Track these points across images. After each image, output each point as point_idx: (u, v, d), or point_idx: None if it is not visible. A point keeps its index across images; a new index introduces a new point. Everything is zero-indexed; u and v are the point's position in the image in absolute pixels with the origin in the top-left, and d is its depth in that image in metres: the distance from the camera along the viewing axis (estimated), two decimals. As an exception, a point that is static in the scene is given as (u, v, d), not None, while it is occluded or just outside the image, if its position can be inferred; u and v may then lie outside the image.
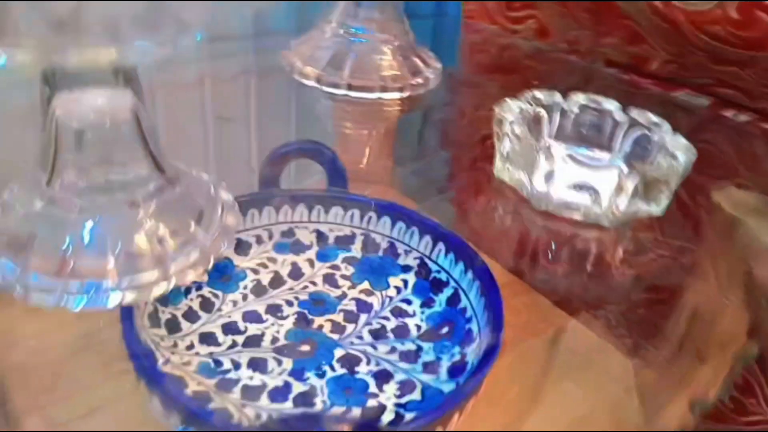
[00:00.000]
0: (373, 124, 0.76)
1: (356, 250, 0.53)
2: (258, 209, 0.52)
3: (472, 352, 0.45)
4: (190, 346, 0.44)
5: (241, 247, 0.51)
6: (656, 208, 0.52)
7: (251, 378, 0.43)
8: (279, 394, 0.43)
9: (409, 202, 0.57)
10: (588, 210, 0.54)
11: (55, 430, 0.40)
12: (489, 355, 0.42)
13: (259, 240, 0.52)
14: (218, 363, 0.44)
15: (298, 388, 0.43)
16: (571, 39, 0.91)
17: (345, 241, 0.53)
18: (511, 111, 0.57)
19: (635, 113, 0.59)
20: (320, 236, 0.53)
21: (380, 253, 0.53)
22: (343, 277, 0.52)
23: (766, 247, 0.47)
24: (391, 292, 0.51)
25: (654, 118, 0.57)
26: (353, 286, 0.51)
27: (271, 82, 0.82)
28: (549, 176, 0.53)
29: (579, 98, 0.60)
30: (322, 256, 0.52)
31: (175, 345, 0.44)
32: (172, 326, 0.45)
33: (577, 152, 0.50)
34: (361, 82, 0.81)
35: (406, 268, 0.51)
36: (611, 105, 0.59)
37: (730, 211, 0.50)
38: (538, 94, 0.58)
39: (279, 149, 0.52)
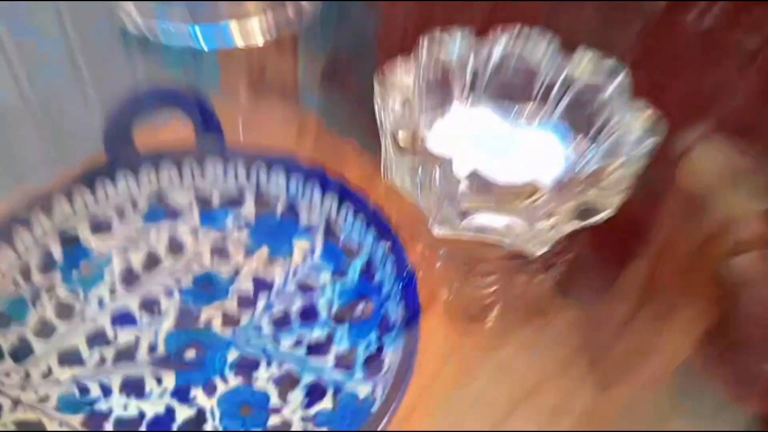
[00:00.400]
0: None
1: (248, 210, 0.44)
2: (111, 178, 0.41)
3: (391, 341, 0.38)
4: (47, 373, 0.36)
5: (100, 225, 0.41)
6: (606, 212, 0.36)
7: (125, 407, 0.36)
8: (160, 424, 0.36)
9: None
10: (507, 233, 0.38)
11: None
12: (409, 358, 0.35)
13: (121, 213, 0.42)
14: (84, 390, 0.36)
15: (183, 413, 0.36)
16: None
17: (233, 201, 0.44)
18: (395, 87, 0.38)
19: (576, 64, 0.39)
20: (200, 197, 0.43)
21: (278, 213, 0.43)
22: (236, 244, 0.43)
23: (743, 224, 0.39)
24: (297, 259, 0.43)
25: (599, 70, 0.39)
26: (249, 256, 0.42)
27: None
28: (447, 196, 0.36)
29: (499, 44, 0.40)
30: (207, 220, 0.43)
31: (27, 377, 0.36)
32: (20, 351, 0.37)
33: (487, 164, 0.33)
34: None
35: (310, 230, 0.43)
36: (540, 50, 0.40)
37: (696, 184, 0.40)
38: (443, 39, 0.41)
39: (126, 102, 0.40)
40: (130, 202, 0.41)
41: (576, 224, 0.33)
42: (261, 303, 0.40)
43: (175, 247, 0.42)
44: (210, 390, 0.37)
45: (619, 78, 0.37)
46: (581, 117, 0.38)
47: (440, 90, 0.39)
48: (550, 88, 0.38)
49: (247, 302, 0.40)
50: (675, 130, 0.36)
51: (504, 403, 0.37)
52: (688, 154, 0.37)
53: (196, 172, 0.42)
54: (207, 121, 0.41)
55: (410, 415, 0.36)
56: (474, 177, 0.31)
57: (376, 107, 0.35)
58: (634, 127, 0.34)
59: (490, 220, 0.33)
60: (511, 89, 0.39)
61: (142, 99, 0.40)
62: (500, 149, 0.37)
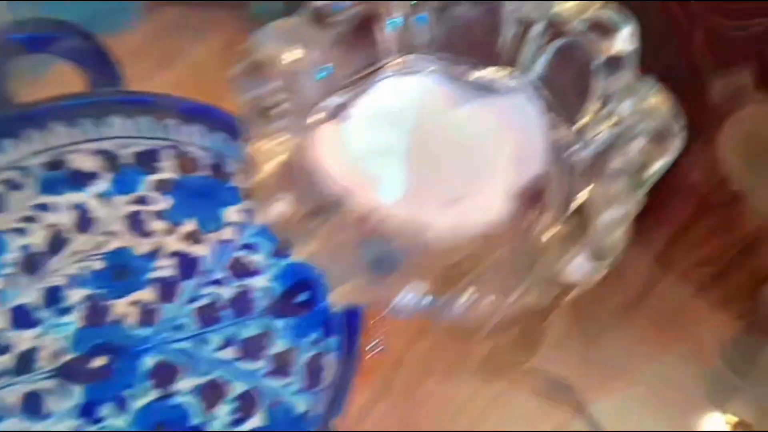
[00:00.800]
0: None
1: (169, 170, 0.36)
2: None
3: (335, 343, 0.31)
4: (-66, 392, 0.32)
5: (-12, 204, 0.35)
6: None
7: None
8: (64, 451, 0.31)
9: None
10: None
11: None
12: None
13: (12, 184, 0.35)
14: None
15: (89, 438, 0.31)
16: None
17: (148, 159, 0.36)
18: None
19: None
20: (108, 157, 0.35)
21: (204, 172, 0.35)
22: (157, 215, 0.36)
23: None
24: (227, 232, 0.35)
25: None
26: (172, 230, 0.35)
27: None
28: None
29: None
30: (120, 185, 0.36)
31: None
32: None
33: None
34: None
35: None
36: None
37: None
38: None
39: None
40: (19, 171, 0.34)
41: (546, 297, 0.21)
42: (186, 289, 0.34)
43: (84, 220, 0.35)
44: (120, 405, 0.31)
45: (625, 33, 0.23)
46: (566, 91, 0.25)
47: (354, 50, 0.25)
48: (521, 40, 0.25)
49: (168, 289, 0.34)
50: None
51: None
52: (736, 110, 0.26)
53: (96, 128, 0.34)
54: (99, 65, 0.33)
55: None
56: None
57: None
58: (641, 119, 0.22)
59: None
60: (463, 44, 0.25)
61: (10, 46, 0.32)
62: (443, 140, 0.24)
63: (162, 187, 0.35)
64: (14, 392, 0.32)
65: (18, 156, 0.34)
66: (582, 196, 0.21)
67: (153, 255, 0.34)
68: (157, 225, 0.35)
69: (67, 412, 0.31)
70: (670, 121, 0.20)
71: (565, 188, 0.22)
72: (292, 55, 0.22)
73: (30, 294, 0.33)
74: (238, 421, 0.31)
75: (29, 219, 0.35)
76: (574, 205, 0.21)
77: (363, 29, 0.24)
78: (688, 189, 0.29)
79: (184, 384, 0.32)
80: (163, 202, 0.35)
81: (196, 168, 0.35)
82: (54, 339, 0.33)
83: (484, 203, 0.22)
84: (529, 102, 0.24)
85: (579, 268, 0.18)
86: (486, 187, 0.23)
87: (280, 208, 0.19)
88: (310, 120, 0.23)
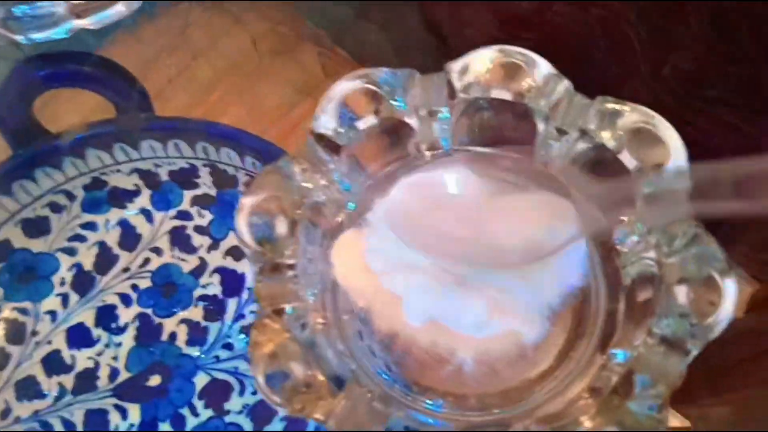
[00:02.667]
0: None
1: (207, 185, 0.36)
2: (25, 171, 0.33)
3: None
4: (6, 412, 0.34)
5: (35, 227, 0.35)
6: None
7: (92, 447, 0.34)
8: (128, 467, 0.33)
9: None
10: None
11: None
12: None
13: (56, 207, 0.35)
14: (47, 427, 0.34)
15: (151, 454, 0.33)
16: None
17: (185, 176, 0.35)
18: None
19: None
20: (145, 174, 0.35)
21: (240, 188, 0.35)
22: (199, 230, 0.36)
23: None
24: (270, 246, 0.35)
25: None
26: (215, 245, 0.36)
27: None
28: None
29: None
30: (160, 202, 0.36)
31: (-16, 417, 0.34)
32: (-28, 389, 0.34)
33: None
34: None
35: (283, 210, 0.34)
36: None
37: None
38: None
39: (20, 77, 0.31)
40: (62, 193, 0.35)
41: None
42: (231, 307, 0.35)
43: (129, 237, 0.36)
44: (179, 424, 0.33)
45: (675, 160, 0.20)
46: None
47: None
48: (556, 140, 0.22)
49: (215, 307, 0.35)
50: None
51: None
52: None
53: (131, 151, 0.34)
54: (126, 93, 0.32)
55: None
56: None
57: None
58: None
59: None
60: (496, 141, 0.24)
61: (36, 82, 0.31)
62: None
63: (201, 202, 0.36)
64: (76, 411, 0.34)
65: (59, 181, 0.35)
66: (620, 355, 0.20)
67: (198, 272, 0.36)
68: (200, 240, 0.36)
69: (127, 430, 0.34)
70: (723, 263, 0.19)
71: (605, 313, 0.22)
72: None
73: (84, 313, 0.36)
74: (290, 440, 0.33)
75: (77, 238, 0.36)
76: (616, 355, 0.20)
77: (387, 133, 0.23)
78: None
79: (235, 403, 0.34)
80: (204, 218, 0.36)
81: (232, 183, 0.35)
82: (110, 358, 0.35)
83: (519, 325, 0.22)
84: (564, 202, 0.23)
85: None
86: (522, 302, 0.22)
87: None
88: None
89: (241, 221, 0.20)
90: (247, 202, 0.20)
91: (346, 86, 0.22)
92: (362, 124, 0.22)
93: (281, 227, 0.20)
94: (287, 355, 0.19)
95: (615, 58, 0.32)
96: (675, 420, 0.31)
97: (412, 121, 0.23)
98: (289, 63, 0.36)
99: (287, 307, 0.19)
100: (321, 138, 0.22)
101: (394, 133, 0.23)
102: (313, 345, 0.19)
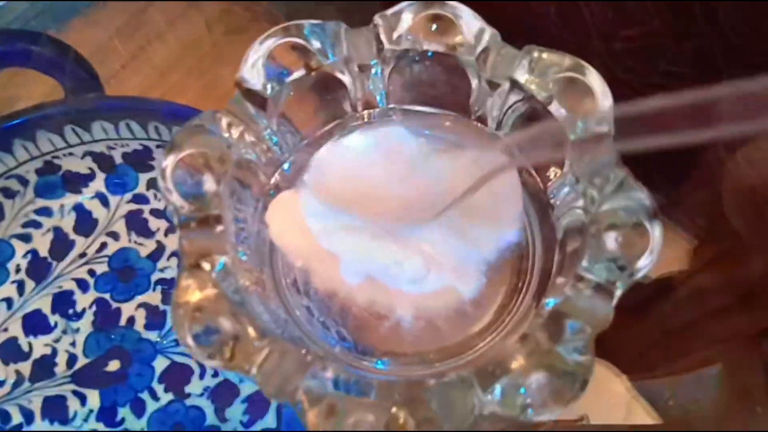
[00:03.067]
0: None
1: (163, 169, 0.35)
2: None
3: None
4: (-37, 400, 0.34)
5: (-14, 214, 0.35)
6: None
7: (50, 436, 0.33)
8: (89, 454, 0.33)
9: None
10: None
11: None
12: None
13: (9, 193, 0.35)
14: (5, 416, 0.34)
15: (111, 440, 0.33)
16: None
17: (139, 158, 0.35)
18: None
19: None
20: (100, 158, 0.35)
21: (197, 170, 0.35)
22: (156, 213, 0.36)
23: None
24: (228, 228, 0.35)
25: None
26: (173, 228, 0.35)
27: None
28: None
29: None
30: (115, 185, 0.36)
31: (-59, 406, 0.34)
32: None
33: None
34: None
35: (239, 191, 0.34)
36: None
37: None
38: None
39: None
40: (14, 177, 0.35)
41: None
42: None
43: (85, 222, 0.36)
44: (138, 409, 0.33)
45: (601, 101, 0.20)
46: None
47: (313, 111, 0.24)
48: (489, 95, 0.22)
49: (172, 292, 0.35)
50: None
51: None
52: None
53: (83, 133, 0.34)
54: (77, 74, 0.32)
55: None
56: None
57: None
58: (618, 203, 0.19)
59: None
60: (429, 98, 0.23)
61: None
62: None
63: (156, 185, 0.36)
64: (35, 398, 0.34)
65: (10, 165, 0.35)
66: (553, 296, 0.20)
67: (156, 255, 0.35)
68: (157, 224, 0.36)
69: (87, 415, 0.34)
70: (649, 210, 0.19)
71: (541, 266, 0.22)
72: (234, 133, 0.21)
73: (40, 300, 0.35)
74: (251, 422, 0.33)
75: (32, 224, 0.36)
76: (547, 304, 0.20)
77: (319, 90, 0.23)
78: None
79: (195, 386, 0.34)
80: (160, 201, 0.36)
81: (189, 165, 0.35)
82: (68, 344, 0.35)
83: (456, 279, 0.22)
84: (504, 163, 0.23)
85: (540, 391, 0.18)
86: (459, 258, 0.22)
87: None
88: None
89: (167, 180, 0.20)
90: (170, 159, 0.20)
91: (272, 40, 0.22)
92: (291, 79, 0.22)
93: (209, 184, 0.20)
94: (215, 309, 0.19)
95: (568, 34, 0.32)
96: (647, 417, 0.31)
97: (344, 78, 0.23)
98: (244, 42, 0.36)
99: (216, 262, 0.19)
100: (248, 92, 0.22)
101: (328, 91, 0.23)
102: (243, 303, 0.19)
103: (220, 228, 0.19)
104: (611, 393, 0.31)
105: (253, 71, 0.21)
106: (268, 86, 0.21)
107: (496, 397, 0.17)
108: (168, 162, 0.19)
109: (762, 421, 0.29)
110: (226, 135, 0.20)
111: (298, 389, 0.17)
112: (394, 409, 0.17)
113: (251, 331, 0.18)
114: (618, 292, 0.18)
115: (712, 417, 0.31)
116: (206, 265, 0.18)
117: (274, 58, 0.21)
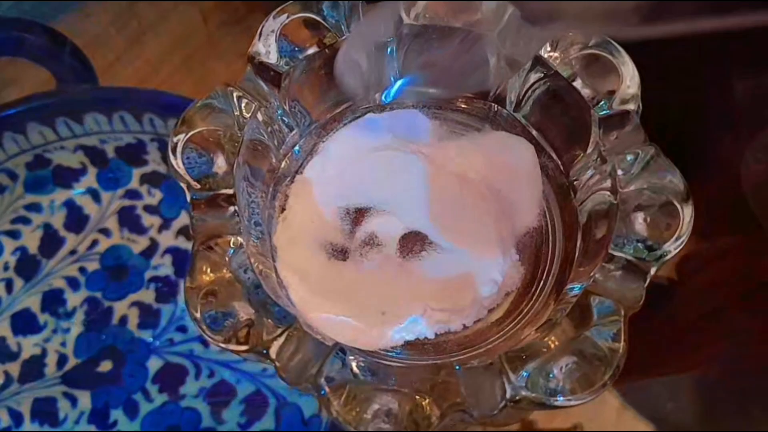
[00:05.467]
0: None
1: (156, 162, 0.35)
2: None
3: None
4: (-51, 401, 0.33)
5: (-25, 210, 0.34)
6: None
7: (39, 438, 0.32)
8: (80, 457, 0.32)
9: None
10: None
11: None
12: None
13: (-3, 188, 0.34)
14: (-8, 419, 0.33)
15: (103, 443, 0.32)
16: None
17: (133, 152, 0.34)
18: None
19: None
20: (92, 152, 0.34)
21: (193, 164, 0.34)
22: (149, 210, 0.35)
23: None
24: (224, 224, 0.34)
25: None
26: (166, 225, 0.35)
27: None
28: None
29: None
30: (107, 181, 0.35)
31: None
32: None
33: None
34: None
35: (236, 185, 0.33)
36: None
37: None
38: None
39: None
40: (3, 172, 0.34)
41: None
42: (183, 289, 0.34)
43: (75, 219, 0.35)
44: (131, 410, 0.32)
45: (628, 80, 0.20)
46: (558, 136, 0.22)
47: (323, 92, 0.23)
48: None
49: (167, 289, 0.34)
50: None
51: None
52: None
53: (74, 126, 0.33)
54: (70, 64, 0.31)
55: None
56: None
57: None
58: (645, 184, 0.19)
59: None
60: (447, 78, 0.21)
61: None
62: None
63: (150, 180, 0.35)
64: (24, 400, 0.33)
65: (0, 159, 0.34)
66: (575, 282, 0.19)
67: (149, 253, 0.35)
68: (150, 220, 0.35)
69: (78, 417, 0.33)
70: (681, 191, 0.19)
71: (562, 252, 0.21)
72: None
73: (29, 299, 0.34)
74: (248, 423, 0.32)
75: (21, 220, 0.35)
76: (571, 289, 0.19)
77: (331, 69, 0.22)
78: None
79: (191, 387, 0.33)
80: (154, 197, 0.35)
81: (185, 159, 0.34)
82: (58, 344, 0.34)
83: (475, 258, 0.21)
84: (521, 143, 0.23)
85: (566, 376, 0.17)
86: (478, 240, 0.21)
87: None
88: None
89: (177, 157, 0.19)
90: (180, 136, 0.19)
91: (287, 14, 0.21)
92: (304, 55, 0.21)
93: (220, 163, 0.19)
94: (229, 294, 0.18)
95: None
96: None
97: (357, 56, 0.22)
98: (240, 35, 0.36)
99: (229, 244, 0.18)
100: (261, 67, 0.21)
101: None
102: (258, 287, 0.18)
103: (232, 209, 0.19)
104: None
105: (267, 45, 0.20)
106: (282, 62, 0.21)
107: (524, 381, 0.17)
108: (178, 139, 0.19)
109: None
110: (237, 113, 0.20)
111: (320, 376, 0.17)
112: (417, 397, 0.17)
113: (267, 315, 0.17)
114: (652, 272, 0.18)
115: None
116: (219, 248, 0.18)
117: (286, 36, 0.20)
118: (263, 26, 0.21)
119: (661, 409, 0.32)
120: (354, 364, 0.17)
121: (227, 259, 0.18)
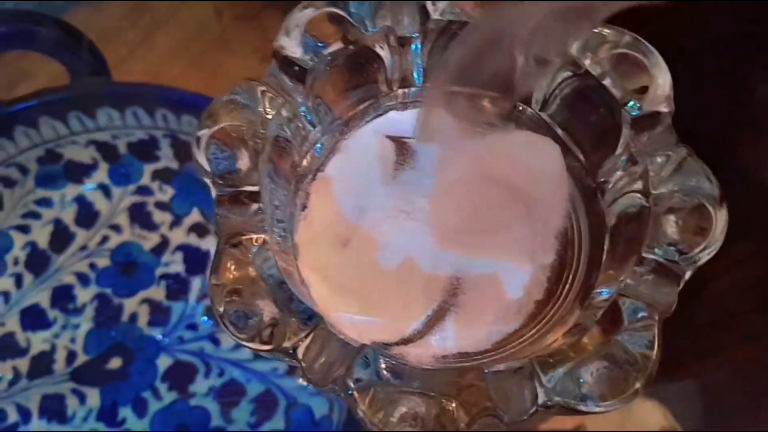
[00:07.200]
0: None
1: (168, 158, 0.34)
2: None
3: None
4: (-43, 396, 0.32)
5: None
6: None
7: (48, 434, 0.32)
8: (88, 455, 0.32)
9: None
10: None
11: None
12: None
13: (9, 182, 0.33)
14: (1, 414, 0.32)
15: (112, 441, 0.32)
16: None
17: (145, 148, 0.34)
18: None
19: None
20: (104, 147, 0.33)
21: (205, 161, 0.34)
22: (160, 206, 0.34)
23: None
24: (236, 221, 0.34)
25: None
26: (178, 222, 0.34)
27: None
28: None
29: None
30: (118, 177, 0.34)
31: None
32: None
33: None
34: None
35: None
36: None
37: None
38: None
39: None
40: (14, 166, 0.33)
41: None
42: (195, 287, 0.33)
43: (86, 214, 0.34)
44: (140, 408, 0.32)
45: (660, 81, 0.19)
46: (586, 137, 0.21)
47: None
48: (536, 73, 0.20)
49: (178, 286, 0.33)
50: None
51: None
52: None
53: (87, 120, 0.33)
54: (83, 58, 0.31)
55: None
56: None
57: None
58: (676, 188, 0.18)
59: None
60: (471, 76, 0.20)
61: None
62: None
63: (162, 176, 0.34)
64: (32, 396, 0.32)
65: (11, 153, 0.33)
66: (603, 285, 0.19)
67: (160, 249, 0.34)
68: (161, 217, 0.34)
69: (87, 415, 0.32)
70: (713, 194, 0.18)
71: (588, 256, 0.21)
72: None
73: (39, 294, 0.34)
74: (258, 423, 0.32)
75: (31, 215, 0.34)
76: (601, 293, 0.19)
77: (354, 66, 0.22)
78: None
79: (201, 386, 0.32)
80: (165, 193, 0.34)
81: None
82: (67, 341, 0.33)
83: (502, 260, 0.21)
84: (547, 143, 0.22)
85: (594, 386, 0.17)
86: (504, 242, 0.21)
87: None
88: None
89: (201, 155, 0.19)
90: (204, 131, 0.19)
91: (311, 10, 0.21)
92: (328, 51, 0.21)
93: (244, 160, 0.19)
94: (254, 292, 0.17)
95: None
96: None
97: (382, 52, 0.22)
98: (254, 30, 0.35)
99: (253, 242, 0.18)
100: (286, 62, 0.21)
101: (363, 68, 0.22)
102: (282, 285, 0.18)
103: (255, 206, 0.18)
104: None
105: (292, 39, 0.20)
106: (307, 57, 0.20)
107: (554, 386, 0.16)
108: (203, 133, 0.18)
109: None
110: (261, 109, 0.19)
111: (348, 378, 0.16)
112: (443, 400, 0.16)
113: (291, 315, 0.17)
114: (687, 276, 0.17)
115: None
116: (243, 245, 0.17)
117: (311, 30, 0.20)
118: (289, 20, 0.20)
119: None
120: (380, 366, 0.17)
121: (251, 256, 0.18)
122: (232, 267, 0.17)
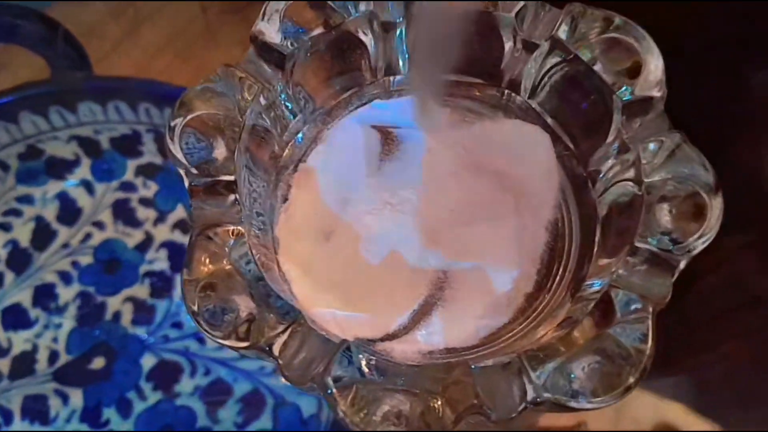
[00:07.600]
0: None
1: (151, 153, 0.34)
2: None
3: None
4: (-63, 398, 0.32)
5: (-35, 201, 0.33)
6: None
7: (29, 437, 0.31)
8: (71, 458, 0.31)
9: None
10: None
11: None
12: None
13: (-12, 179, 0.33)
14: (-19, 417, 0.31)
15: (96, 443, 0.31)
16: None
17: (128, 143, 0.33)
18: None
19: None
20: (86, 143, 0.33)
21: (190, 156, 0.33)
22: (144, 202, 0.34)
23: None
24: (221, 217, 0.33)
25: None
26: (162, 218, 0.33)
27: None
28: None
29: None
30: (101, 173, 0.34)
31: None
32: None
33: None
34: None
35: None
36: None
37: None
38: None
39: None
40: (-6, 164, 0.33)
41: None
42: (180, 285, 0.32)
43: (68, 211, 0.33)
44: (124, 409, 0.31)
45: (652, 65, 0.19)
46: (576, 124, 0.21)
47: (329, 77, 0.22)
48: (524, 58, 0.20)
49: (162, 284, 0.33)
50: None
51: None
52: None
53: (68, 115, 0.32)
54: (64, 51, 0.30)
55: None
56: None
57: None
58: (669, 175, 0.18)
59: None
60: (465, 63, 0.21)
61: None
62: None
63: (146, 172, 0.34)
64: (14, 397, 0.32)
65: (-14, 150, 0.32)
66: (595, 276, 0.18)
67: (144, 247, 0.33)
68: (145, 213, 0.34)
69: (70, 416, 0.31)
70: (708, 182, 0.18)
71: (578, 247, 0.20)
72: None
73: (20, 293, 0.33)
74: (245, 423, 0.31)
75: (12, 212, 0.34)
76: (591, 285, 0.18)
77: (337, 52, 0.21)
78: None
79: (186, 385, 0.31)
80: (149, 189, 0.34)
81: (180, 150, 0.33)
82: (49, 340, 0.32)
83: (490, 252, 0.20)
84: (536, 131, 0.21)
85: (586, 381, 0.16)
86: (493, 234, 0.20)
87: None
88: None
89: (175, 145, 0.18)
90: (178, 120, 0.18)
91: (290, -5, 0.20)
92: (309, 36, 0.20)
93: (220, 149, 0.18)
94: (229, 287, 0.17)
95: None
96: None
97: (365, 38, 0.21)
98: (239, 24, 0.34)
99: (229, 234, 0.17)
100: (264, 48, 0.20)
101: (346, 54, 0.21)
102: (259, 279, 0.17)
103: (232, 197, 0.18)
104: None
105: (271, 25, 0.19)
106: (286, 43, 0.19)
107: (544, 381, 0.16)
108: (177, 122, 0.18)
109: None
110: (239, 97, 0.19)
111: (327, 375, 0.16)
112: (428, 398, 0.16)
113: (269, 310, 0.16)
114: (681, 266, 0.17)
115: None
116: (218, 238, 0.17)
117: (291, 16, 0.19)
118: (267, 5, 0.19)
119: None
120: (363, 363, 0.16)
121: (227, 250, 0.17)
122: (207, 261, 0.17)
